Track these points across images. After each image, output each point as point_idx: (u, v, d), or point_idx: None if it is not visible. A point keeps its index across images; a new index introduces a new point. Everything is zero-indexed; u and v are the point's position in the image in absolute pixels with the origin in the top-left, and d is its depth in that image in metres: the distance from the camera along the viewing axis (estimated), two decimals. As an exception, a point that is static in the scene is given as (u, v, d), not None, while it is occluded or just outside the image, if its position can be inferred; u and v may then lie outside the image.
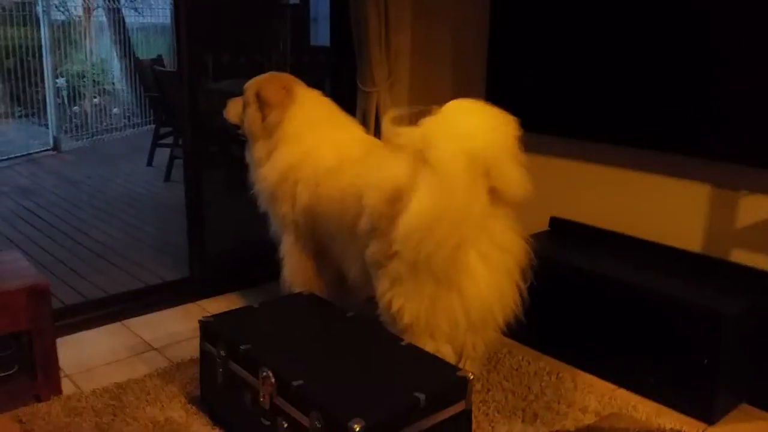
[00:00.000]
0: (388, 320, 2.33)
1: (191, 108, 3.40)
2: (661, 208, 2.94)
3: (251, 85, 2.91)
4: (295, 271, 2.87)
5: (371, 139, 2.92)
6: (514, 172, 2.13)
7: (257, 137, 2.87)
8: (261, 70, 2.98)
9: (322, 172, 2.67)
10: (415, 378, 2.01)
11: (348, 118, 2.95)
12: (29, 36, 7.89)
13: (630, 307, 2.67)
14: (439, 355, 2.21)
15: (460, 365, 2.35)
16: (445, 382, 2.01)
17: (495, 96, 3.31)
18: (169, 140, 6.32)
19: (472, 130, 2.10)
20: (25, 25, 7.92)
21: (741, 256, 2.72)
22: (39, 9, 7.75)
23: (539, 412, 2.48)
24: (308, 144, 2.75)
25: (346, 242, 2.55)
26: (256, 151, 2.88)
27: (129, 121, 8.88)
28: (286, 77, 2.94)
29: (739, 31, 2.57)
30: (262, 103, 2.83)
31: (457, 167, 2.03)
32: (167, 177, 6.16)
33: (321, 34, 4.31)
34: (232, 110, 2.98)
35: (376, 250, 2.30)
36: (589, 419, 2.45)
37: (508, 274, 2.27)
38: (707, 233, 2.82)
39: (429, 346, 2.25)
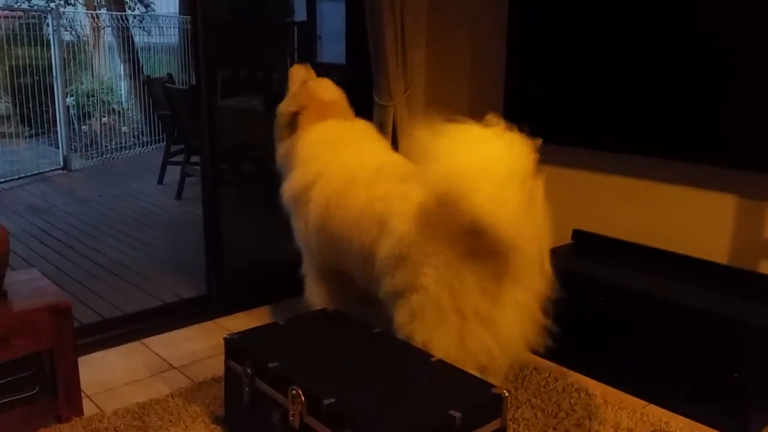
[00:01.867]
0: None
1: (209, 125, 3.38)
2: (686, 219, 2.91)
3: (302, 73, 2.93)
4: (313, 290, 2.84)
5: (388, 154, 2.80)
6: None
7: (281, 134, 2.87)
8: (270, 88, 2.97)
9: (331, 193, 2.59)
10: (450, 395, 1.97)
11: (368, 136, 2.86)
12: (38, 56, 7.92)
13: (657, 320, 2.63)
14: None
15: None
16: (481, 400, 1.96)
17: (514, 108, 3.34)
18: (180, 158, 6.31)
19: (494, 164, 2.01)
20: (34, 45, 7.95)
21: (770, 268, 2.69)
22: (49, 29, 7.78)
23: (570, 429, 2.43)
24: (318, 164, 2.70)
25: (363, 260, 2.45)
26: (278, 151, 2.89)
27: (138, 139, 8.88)
28: (334, 94, 2.91)
29: (762, 39, 2.55)
30: (303, 96, 2.84)
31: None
32: (179, 195, 6.14)
33: (327, 51, 4.32)
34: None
35: (400, 281, 2.23)
36: (621, 436, 2.40)
37: (531, 312, 2.21)
38: (734, 244, 2.79)
39: None
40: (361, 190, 2.49)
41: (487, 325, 2.15)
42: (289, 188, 2.81)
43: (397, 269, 2.25)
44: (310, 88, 2.88)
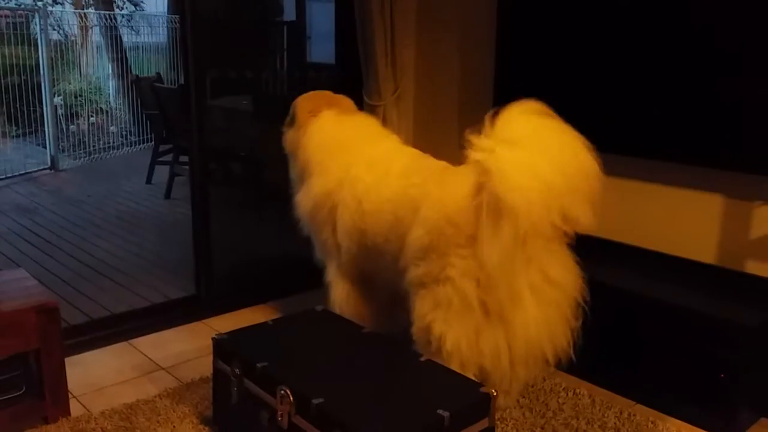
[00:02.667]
0: (422, 342, 2.28)
1: (198, 125, 3.37)
2: (674, 219, 2.92)
3: (294, 102, 2.94)
4: (341, 297, 2.80)
5: (408, 148, 2.80)
6: (586, 207, 2.06)
7: (290, 157, 2.88)
8: (260, 87, 2.96)
9: (362, 191, 2.59)
10: (438, 395, 1.97)
11: (379, 133, 2.86)
12: (26, 55, 7.87)
13: (644, 320, 2.64)
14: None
15: None
16: (469, 400, 1.97)
17: (503, 108, 3.34)
18: (169, 158, 6.28)
19: (552, 168, 1.99)
20: (21, 44, 7.90)
21: (756, 268, 2.70)
22: (36, 28, 7.74)
23: (558, 429, 2.44)
24: (338, 170, 2.69)
25: (396, 255, 2.44)
26: (291, 171, 2.88)
27: (126, 139, 8.84)
28: (323, 101, 2.90)
29: (752, 42, 2.57)
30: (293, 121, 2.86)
31: (533, 216, 1.97)
32: (167, 194, 6.12)
33: (317, 51, 4.32)
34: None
35: (426, 271, 2.24)
36: (609, 435, 2.41)
37: (559, 310, 2.22)
38: (721, 244, 2.80)
39: None
40: (395, 180, 2.49)
41: (506, 327, 2.15)
42: (306, 199, 2.78)
43: (424, 260, 2.25)
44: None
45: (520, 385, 2.44)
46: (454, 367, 2.19)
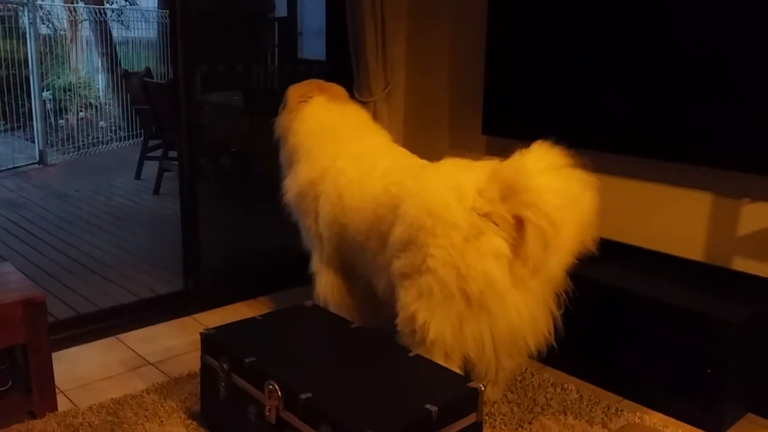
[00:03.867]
0: (407, 332, 2.29)
1: (187, 120, 3.36)
2: (662, 216, 2.93)
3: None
4: (326, 287, 2.82)
5: (395, 147, 2.84)
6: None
7: (280, 142, 2.89)
8: (251, 82, 2.97)
9: (344, 184, 2.62)
10: (426, 390, 1.98)
11: (369, 127, 2.90)
12: (14, 49, 7.80)
13: (632, 316, 2.66)
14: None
15: None
16: (457, 394, 1.98)
17: (493, 104, 3.35)
18: (158, 153, 6.26)
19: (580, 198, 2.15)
20: (10, 38, 7.83)
21: (743, 264, 2.72)
22: (25, 22, 7.68)
23: (546, 424, 2.45)
24: (324, 159, 2.72)
25: (376, 252, 2.49)
26: (280, 156, 2.89)
27: (115, 134, 8.79)
28: (314, 87, 2.92)
29: (739, 41, 2.58)
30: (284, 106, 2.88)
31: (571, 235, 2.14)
32: (156, 190, 6.09)
33: (308, 47, 4.32)
34: None
35: (408, 263, 2.26)
36: (596, 430, 2.42)
37: (543, 300, 2.26)
38: (709, 241, 2.82)
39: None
40: (378, 179, 2.52)
41: (488, 315, 2.18)
42: (293, 185, 2.82)
43: (404, 252, 2.28)
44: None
45: (506, 375, 2.46)
46: (439, 356, 2.21)
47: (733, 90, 2.61)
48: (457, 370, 2.24)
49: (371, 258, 2.53)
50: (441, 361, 2.20)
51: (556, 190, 2.10)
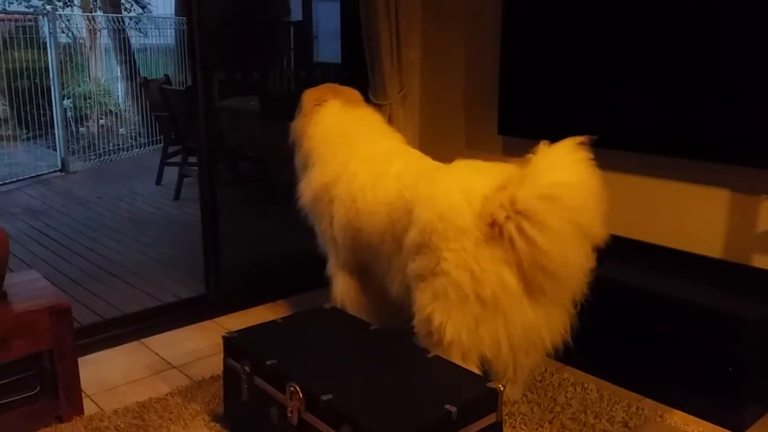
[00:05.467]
0: (423, 333, 2.31)
1: (206, 126, 3.40)
2: (680, 213, 2.93)
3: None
4: (343, 290, 2.83)
5: (408, 149, 2.83)
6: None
7: (295, 146, 2.91)
8: (268, 87, 2.99)
9: (357, 188, 2.63)
10: (446, 390, 1.99)
11: (383, 130, 2.90)
12: (35, 59, 7.93)
13: (652, 314, 2.65)
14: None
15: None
16: (476, 395, 1.99)
17: (508, 105, 3.36)
18: (178, 159, 6.33)
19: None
20: (31, 48, 7.95)
21: (763, 261, 2.71)
22: (45, 32, 7.79)
23: (566, 423, 2.46)
24: (337, 163, 2.73)
25: (390, 255, 2.51)
26: (295, 160, 2.91)
27: (135, 141, 8.89)
28: (329, 91, 2.94)
29: (758, 36, 2.57)
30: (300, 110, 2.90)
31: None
32: (177, 195, 6.16)
33: (323, 51, 4.34)
34: None
35: (422, 265, 2.28)
36: (617, 430, 2.42)
37: (558, 301, 2.27)
38: (727, 239, 2.81)
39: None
40: (392, 182, 2.53)
41: (503, 317, 2.19)
42: (308, 189, 2.83)
43: (418, 254, 2.30)
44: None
45: (525, 374, 2.47)
46: (456, 357, 2.22)
47: (750, 86, 2.61)
48: (475, 370, 2.25)
49: (386, 260, 2.54)
50: (459, 362, 2.21)
51: (561, 211, 2.08)
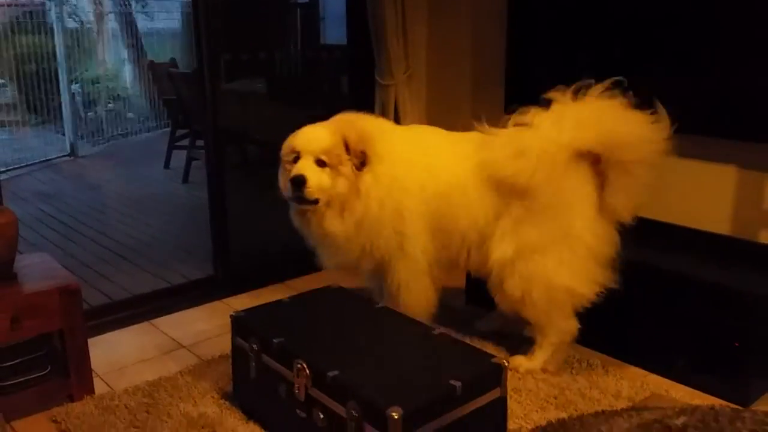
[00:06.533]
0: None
1: (213, 109, 3.41)
2: (688, 190, 2.92)
3: (318, 136, 2.60)
4: (426, 295, 2.72)
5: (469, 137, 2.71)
6: None
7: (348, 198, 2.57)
8: (273, 69, 2.96)
9: (431, 195, 2.60)
10: (451, 366, 2.01)
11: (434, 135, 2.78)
12: (43, 44, 7.94)
13: (658, 290, 2.66)
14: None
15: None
16: (481, 370, 2.01)
17: (515, 85, 3.35)
18: (186, 142, 6.35)
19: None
20: (38, 32, 7.97)
21: (769, 238, 2.71)
22: (52, 16, 7.80)
23: (572, 399, 2.48)
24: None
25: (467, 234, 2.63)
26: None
27: (143, 124, 8.92)
28: (358, 127, 2.61)
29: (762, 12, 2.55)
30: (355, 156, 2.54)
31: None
32: (185, 178, 6.19)
33: (330, 33, 4.33)
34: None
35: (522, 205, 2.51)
36: (622, 405, 2.44)
37: (593, 260, 2.51)
38: (735, 215, 2.81)
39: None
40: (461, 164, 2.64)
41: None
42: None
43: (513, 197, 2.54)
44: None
45: (555, 339, 2.64)
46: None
47: (757, 61, 2.59)
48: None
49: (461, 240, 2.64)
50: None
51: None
